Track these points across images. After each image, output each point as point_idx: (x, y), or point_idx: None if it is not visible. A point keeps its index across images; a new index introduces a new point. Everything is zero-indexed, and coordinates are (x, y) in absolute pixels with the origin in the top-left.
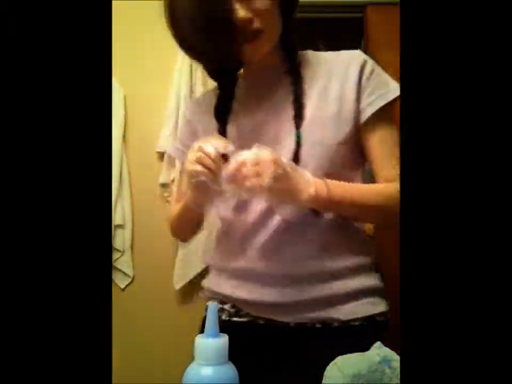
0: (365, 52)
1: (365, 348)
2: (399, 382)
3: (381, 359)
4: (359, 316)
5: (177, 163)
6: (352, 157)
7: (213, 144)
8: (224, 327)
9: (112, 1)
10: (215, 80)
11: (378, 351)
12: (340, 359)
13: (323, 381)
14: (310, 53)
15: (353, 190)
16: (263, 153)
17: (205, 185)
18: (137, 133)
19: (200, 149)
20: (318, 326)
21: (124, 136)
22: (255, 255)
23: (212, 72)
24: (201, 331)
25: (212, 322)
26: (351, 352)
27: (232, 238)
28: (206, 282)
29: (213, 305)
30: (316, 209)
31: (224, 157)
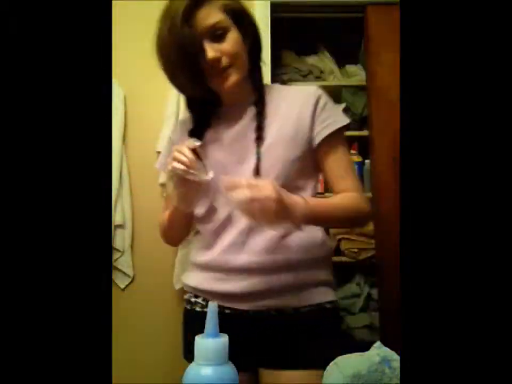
0: (365, 51)
1: (314, 331)
2: (399, 382)
3: (381, 359)
4: (309, 303)
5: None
6: (306, 170)
7: (184, 143)
8: (199, 317)
9: (112, 1)
10: (191, 110)
11: (378, 351)
12: (340, 359)
13: (323, 381)
14: (276, 86)
15: (327, 203)
16: (268, 188)
17: (185, 181)
18: (137, 133)
19: (175, 149)
20: (274, 313)
21: (124, 136)
22: (222, 250)
23: (189, 105)
24: (184, 324)
25: (212, 322)
26: (303, 334)
27: (204, 236)
28: (183, 277)
29: (212, 306)
30: (306, 224)
31: (195, 152)
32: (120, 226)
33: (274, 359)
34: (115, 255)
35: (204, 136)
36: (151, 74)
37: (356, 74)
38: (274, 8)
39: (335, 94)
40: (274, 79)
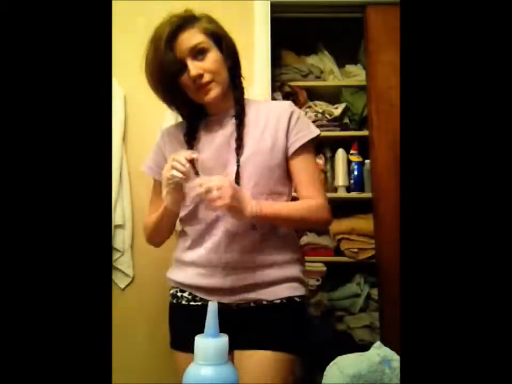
0: (365, 51)
1: (285, 319)
2: (399, 382)
3: (381, 359)
4: (281, 297)
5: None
6: (283, 177)
7: (181, 154)
8: (185, 310)
9: (112, 1)
10: (185, 119)
11: (378, 351)
12: (340, 359)
13: (323, 381)
14: (255, 101)
15: (281, 207)
16: (224, 180)
17: (180, 186)
18: (137, 133)
19: (173, 159)
20: (253, 305)
21: (124, 136)
22: (207, 251)
23: (183, 115)
24: (170, 317)
25: (212, 322)
26: (277, 321)
27: (190, 236)
28: (168, 273)
29: (212, 305)
30: (254, 222)
31: (191, 162)
32: (120, 226)
33: (250, 342)
34: (115, 255)
35: (196, 141)
36: None
37: (356, 74)
38: (274, 8)
39: (335, 94)
40: (274, 79)
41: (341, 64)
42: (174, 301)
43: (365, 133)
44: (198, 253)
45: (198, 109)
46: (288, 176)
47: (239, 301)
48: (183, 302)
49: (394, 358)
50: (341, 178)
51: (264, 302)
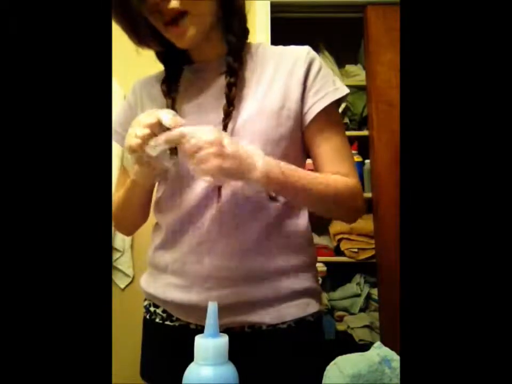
0: (365, 51)
1: (295, 348)
2: (399, 382)
3: (381, 359)
4: (286, 319)
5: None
6: (291, 156)
7: (164, 118)
8: (159, 330)
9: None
10: (162, 62)
11: (378, 351)
12: (339, 359)
13: (323, 381)
14: (262, 45)
15: (298, 173)
16: (217, 132)
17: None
18: None
19: (148, 126)
20: (247, 330)
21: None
22: (184, 251)
23: (159, 58)
24: (143, 336)
25: (212, 322)
26: (281, 353)
27: (163, 230)
28: (141, 279)
29: (213, 305)
30: (267, 186)
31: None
32: None
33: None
34: (115, 255)
35: (176, 93)
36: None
37: (356, 74)
38: (274, 8)
39: None
40: None
41: (341, 64)
42: (147, 317)
43: (365, 133)
44: (172, 255)
45: (179, 51)
46: (300, 155)
47: (229, 324)
48: (157, 320)
49: (394, 358)
50: None
51: (264, 327)
